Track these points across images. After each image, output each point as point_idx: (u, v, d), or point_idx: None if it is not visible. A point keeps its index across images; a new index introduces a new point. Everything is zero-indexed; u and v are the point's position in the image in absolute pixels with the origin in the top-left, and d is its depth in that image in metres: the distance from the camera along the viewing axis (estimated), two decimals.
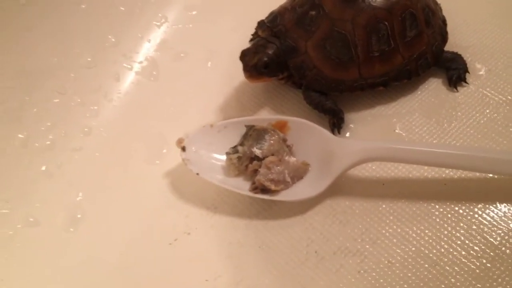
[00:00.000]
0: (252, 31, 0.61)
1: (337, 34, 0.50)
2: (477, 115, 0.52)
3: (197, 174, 0.47)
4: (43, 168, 0.52)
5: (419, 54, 0.52)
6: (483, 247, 0.44)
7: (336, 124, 0.52)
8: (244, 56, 0.51)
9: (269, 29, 0.54)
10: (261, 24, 0.57)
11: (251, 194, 0.47)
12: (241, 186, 0.48)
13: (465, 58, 0.55)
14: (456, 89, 0.54)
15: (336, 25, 0.50)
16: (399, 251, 0.44)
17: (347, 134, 0.52)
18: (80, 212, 0.49)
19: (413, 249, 0.44)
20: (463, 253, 0.44)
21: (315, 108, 0.52)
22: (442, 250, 0.44)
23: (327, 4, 0.50)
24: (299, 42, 0.51)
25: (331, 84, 0.51)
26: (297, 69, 0.51)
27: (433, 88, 0.55)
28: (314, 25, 0.50)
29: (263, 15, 0.57)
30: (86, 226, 0.49)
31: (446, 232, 0.45)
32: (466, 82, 0.54)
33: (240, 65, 0.58)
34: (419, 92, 0.55)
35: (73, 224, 0.49)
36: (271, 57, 0.50)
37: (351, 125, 0.53)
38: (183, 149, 0.48)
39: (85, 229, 0.48)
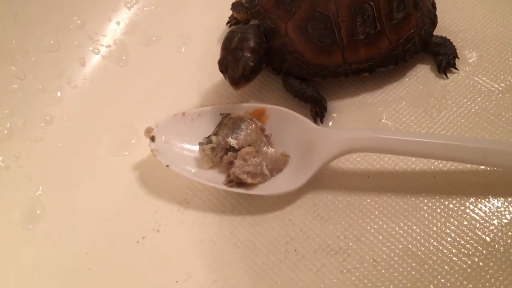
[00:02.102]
0: (229, 13, 0.57)
1: (319, 15, 0.46)
2: (468, 103, 0.49)
3: (167, 166, 0.44)
4: None
5: (407, 38, 0.49)
6: (475, 245, 0.41)
7: (318, 113, 0.48)
8: (225, 67, 0.46)
9: (246, 9, 0.51)
10: (236, 5, 0.54)
11: (225, 187, 0.44)
12: (215, 179, 0.45)
13: (455, 44, 0.53)
14: (446, 75, 0.51)
15: (319, 5, 0.46)
16: (384, 248, 0.41)
17: (330, 124, 0.49)
18: (40, 208, 0.46)
19: (400, 246, 0.41)
20: (454, 250, 0.41)
21: (295, 96, 0.49)
22: (431, 248, 0.41)
23: None
24: (278, 23, 0.47)
25: (313, 70, 0.48)
26: (276, 52, 0.48)
27: (421, 75, 0.52)
28: (295, 5, 0.47)
29: None
30: (45, 223, 0.45)
31: (435, 228, 0.42)
32: (455, 68, 0.51)
33: (216, 49, 0.55)
34: (406, 79, 0.51)
35: (31, 220, 0.45)
36: (256, 55, 0.46)
37: (334, 114, 0.50)
38: (152, 139, 0.45)
39: (44, 226, 0.45)
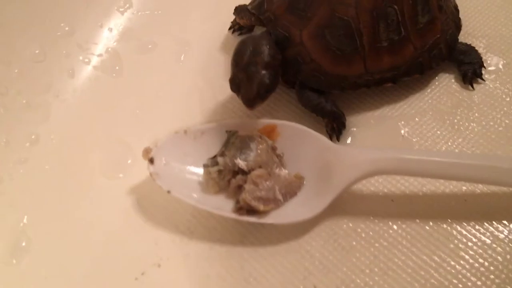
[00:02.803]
0: (231, 17, 0.52)
1: (339, 21, 0.42)
2: (498, 116, 0.45)
3: (168, 192, 0.39)
4: None
5: (433, 44, 0.45)
6: None
7: (336, 130, 0.44)
8: (237, 86, 0.41)
9: (251, 15, 0.46)
10: (240, 10, 0.49)
11: (235, 216, 0.39)
12: (222, 205, 0.40)
13: (479, 51, 0.48)
14: (472, 87, 0.47)
15: (337, 10, 0.42)
16: (415, 284, 0.37)
17: (348, 141, 0.44)
18: (25, 240, 0.40)
19: (432, 281, 0.37)
20: (493, 286, 0.36)
21: (312, 111, 0.44)
22: (468, 283, 0.37)
23: None
24: (292, 30, 0.43)
25: (331, 81, 0.43)
26: (290, 63, 0.43)
27: (445, 85, 0.48)
28: (310, 10, 0.42)
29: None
30: (32, 257, 0.40)
31: (471, 261, 0.38)
32: (482, 79, 0.47)
33: (219, 57, 0.51)
34: (428, 90, 0.47)
35: (16, 254, 0.40)
36: (271, 70, 0.41)
37: (353, 129, 0.45)
38: (151, 161, 0.40)
39: (31, 261, 0.40)
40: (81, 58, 0.50)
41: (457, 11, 0.49)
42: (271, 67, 0.41)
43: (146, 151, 0.40)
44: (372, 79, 0.44)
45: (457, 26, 0.48)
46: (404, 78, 0.45)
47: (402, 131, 0.45)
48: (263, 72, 0.40)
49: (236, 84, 0.41)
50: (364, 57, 0.43)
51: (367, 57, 0.43)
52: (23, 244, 0.40)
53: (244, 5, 0.50)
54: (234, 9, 0.51)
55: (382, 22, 0.42)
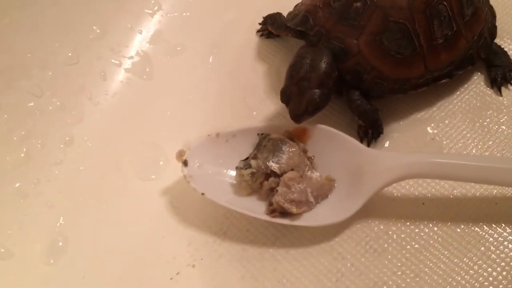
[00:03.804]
0: (259, 18, 0.52)
1: (394, 25, 0.42)
2: None
3: (203, 194, 0.40)
4: (16, 186, 0.43)
5: (479, 34, 0.46)
6: None
7: (369, 136, 0.44)
8: (287, 99, 0.41)
9: (289, 31, 0.47)
10: (275, 24, 0.50)
11: (268, 218, 0.40)
12: (255, 207, 0.41)
13: (508, 53, 0.48)
14: (500, 92, 0.47)
15: (391, 14, 0.42)
16: (447, 286, 0.37)
17: (377, 142, 0.45)
18: (62, 240, 0.42)
19: (463, 283, 0.37)
20: None
21: (359, 115, 0.44)
22: (500, 286, 0.37)
23: None
24: (348, 41, 0.42)
25: (394, 86, 0.43)
26: (351, 74, 0.43)
27: (474, 87, 0.48)
28: (362, 18, 0.42)
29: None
30: (69, 257, 0.41)
31: (502, 263, 0.38)
32: (511, 84, 0.47)
33: (246, 60, 0.51)
34: (457, 93, 0.47)
35: (53, 254, 0.41)
36: (324, 89, 0.41)
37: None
38: (185, 163, 0.41)
39: (67, 261, 0.41)
40: (112, 60, 0.51)
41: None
42: (325, 86, 0.41)
43: (180, 154, 0.41)
44: (431, 77, 0.44)
45: (492, 12, 0.48)
46: (458, 72, 0.45)
47: (432, 134, 0.45)
48: (316, 90, 0.40)
49: (286, 96, 0.41)
50: (423, 57, 0.43)
51: (426, 56, 0.43)
52: (60, 244, 0.41)
53: (276, 15, 0.50)
54: (267, 18, 0.51)
55: (435, 20, 0.42)
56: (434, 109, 0.46)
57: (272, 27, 0.50)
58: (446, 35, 0.43)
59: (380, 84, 0.43)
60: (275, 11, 0.51)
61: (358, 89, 0.43)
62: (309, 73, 0.41)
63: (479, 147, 0.44)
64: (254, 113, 0.48)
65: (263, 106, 0.48)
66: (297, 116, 0.40)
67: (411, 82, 0.44)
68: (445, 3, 0.43)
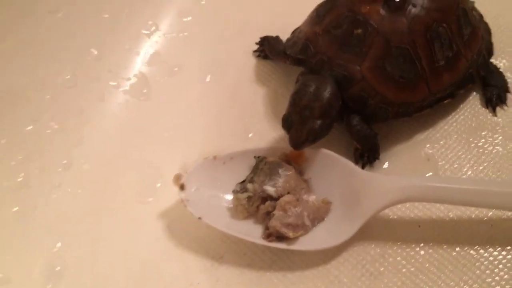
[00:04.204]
0: (256, 39, 0.53)
1: (396, 50, 0.42)
2: None
3: (199, 218, 0.40)
4: (14, 210, 0.44)
5: (478, 52, 0.46)
6: None
7: (367, 160, 0.44)
8: (288, 126, 0.41)
9: (287, 58, 0.47)
10: (274, 51, 0.50)
11: (264, 242, 0.40)
12: (251, 231, 0.41)
13: (501, 70, 0.49)
14: (495, 112, 0.47)
15: (392, 40, 0.42)
16: None
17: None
18: (60, 264, 0.41)
19: None
20: None
21: (358, 140, 0.44)
22: None
23: (373, 17, 0.42)
24: (351, 68, 0.42)
25: (399, 110, 0.44)
26: (356, 100, 0.43)
27: (469, 107, 0.48)
28: (364, 44, 0.42)
29: (266, 19, 0.51)
30: (67, 281, 0.41)
31: (497, 287, 0.38)
32: (506, 104, 0.47)
33: (244, 80, 0.51)
34: (453, 113, 0.48)
35: (51, 279, 0.41)
36: (326, 119, 0.41)
37: None
38: (182, 187, 0.41)
39: (65, 286, 0.41)
40: (110, 82, 0.51)
41: (481, 16, 0.50)
42: (327, 116, 0.41)
43: (177, 177, 0.41)
44: (435, 99, 0.44)
45: (487, 29, 0.49)
46: (460, 91, 0.46)
47: (428, 155, 0.45)
48: (317, 120, 0.40)
49: (288, 123, 0.41)
50: (426, 79, 0.43)
51: (429, 79, 0.43)
52: (58, 268, 0.41)
53: (275, 40, 0.50)
54: (264, 40, 0.52)
55: (436, 43, 0.43)
56: (430, 129, 0.46)
57: (270, 54, 0.50)
58: (447, 57, 0.43)
59: (384, 109, 0.43)
60: (273, 32, 0.51)
61: (362, 114, 0.43)
62: (312, 102, 0.41)
63: (475, 168, 0.44)
64: (250, 135, 0.48)
65: (260, 127, 0.48)
66: (297, 144, 0.41)
67: (415, 105, 0.44)
68: (444, 25, 0.43)
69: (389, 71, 0.42)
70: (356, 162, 0.44)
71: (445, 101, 0.45)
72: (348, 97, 0.43)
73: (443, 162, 0.45)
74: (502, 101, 0.47)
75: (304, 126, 0.40)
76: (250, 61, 0.53)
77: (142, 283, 0.41)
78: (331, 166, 0.42)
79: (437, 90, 0.44)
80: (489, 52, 0.48)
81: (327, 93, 0.41)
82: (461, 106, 0.48)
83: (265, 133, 0.48)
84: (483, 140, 0.46)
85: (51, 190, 0.45)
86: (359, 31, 0.42)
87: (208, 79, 0.52)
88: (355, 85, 0.42)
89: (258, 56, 0.53)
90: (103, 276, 0.41)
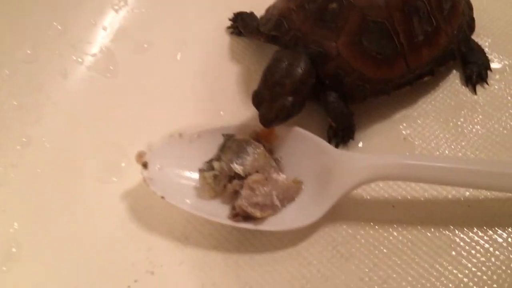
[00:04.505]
0: (229, 14, 0.51)
1: (373, 25, 0.40)
2: (503, 118, 0.44)
3: (162, 197, 0.38)
4: None
5: (458, 28, 0.45)
6: None
7: (341, 139, 0.43)
8: (258, 102, 0.39)
9: (261, 35, 0.45)
10: (247, 27, 0.48)
11: (231, 223, 0.38)
12: (218, 211, 0.39)
13: (484, 50, 0.47)
14: (475, 90, 0.45)
15: (369, 14, 0.40)
16: None
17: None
18: (15, 246, 0.39)
19: None
20: None
21: (334, 118, 0.42)
22: None
23: None
24: (326, 44, 0.41)
25: (376, 87, 0.42)
26: (332, 78, 0.41)
27: (448, 85, 0.47)
28: (340, 20, 0.40)
29: None
30: (22, 263, 0.39)
31: (473, 269, 0.37)
32: (487, 82, 0.45)
33: (216, 58, 0.49)
34: (431, 91, 0.46)
35: (6, 261, 0.39)
36: (297, 96, 0.39)
37: None
38: (145, 165, 0.39)
39: (21, 268, 0.38)
40: (74, 58, 0.49)
41: None
42: (299, 93, 0.39)
43: (140, 155, 0.39)
44: (414, 75, 0.43)
45: (469, 5, 0.48)
46: (440, 68, 0.44)
47: (404, 134, 0.43)
48: (289, 97, 0.38)
49: (258, 99, 0.39)
50: (404, 55, 0.41)
51: (407, 54, 0.42)
52: (14, 250, 0.39)
53: (249, 16, 0.48)
54: (238, 16, 0.50)
55: (415, 17, 0.41)
56: (407, 108, 0.45)
57: (244, 31, 0.49)
58: (426, 31, 0.42)
59: (362, 87, 0.41)
60: (247, 8, 0.49)
61: (339, 93, 0.42)
62: (284, 79, 0.39)
63: (452, 147, 0.42)
64: (222, 113, 0.46)
65: (231, 106, 0.46)
66: (267, 121, 0.39)
67: (393, 82, 0.42)
68: None
69: (366, 46, 0.41)
70: (329, 140, 0.43)
71: (425, 78, 0.44)
72: (324, 74, 0.41)
73: (420, 141, 0.43)
74: (482, 78, 0.45)
75: (275, 103, 0.39)
76: (223, 38, 0.51)
77: (101, 266, 0.38)
78: (303, 144, 0.40)
79: (416, 66, 0.42)
80: (471, 27, 0.46)
81: (300, 69, 0.40)
82: (440, 84, 0.46)
83: (237, 111, 0.46)
84: (462, 119, 0.44)
85: (8, 169, 0.43)
86: (334, 5, 0.41)
87: (178, 57, 0.50)
88: (330, 62, 0.41)
89: (232, 33, 0.51)
90: (61, 259, 0.39)
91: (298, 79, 0.39)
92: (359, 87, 0.41)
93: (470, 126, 0.43)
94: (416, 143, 0.43)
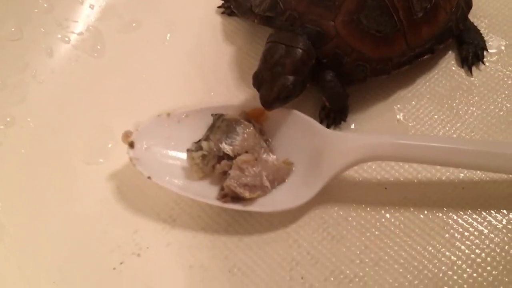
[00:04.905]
0: None
1: (372, 2, 0.39)
2: (499, 100, 0.43)
3: (149, 177, 0.37)
4: None
5: (457, 5, 0.44)
6: None
7: (333, 120, 0.42)
8: (259, 83, 0.38)
9: (255, 17, 0.43)
10: (241, 8, 0.45)
11: (219, 203, 0.37)
12: (207, 192, 0.38)
13: (481, 31, 0.46)
14: (471, 71, 0.44)
15: None
16: (408, 275, 0.35)
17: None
18: None
19: (426, 272, 0.35)
20: (489, 278, 0.34)
21: (329, 97, 0.41)
22: (464, 275, 0.35)
23: None
24: (324, 24, 0.39)
25: (377, 67, 0.41)
26: (331, 59, 0.40)
27: (444, 66, 0.45)
28: None
29: None
30: (4, 245, 0.38)
31: (467, 251, 0.36)
32: (483, 62, 0.45)
33: (206, 38, 0.48)
34: (426, 72, 0.45)
35: None
36: (298, 76, 0.38)
37: None
38: (131, 145, 0.38)
39: (4, 249, 0.38)
40: (59, 36, 0.48)
41: None
42: (299, 73, 0.38)
43: (126, 135, 0.38)
44: (414, 54, 0.42)
45: None
46: (440, 46, 0.43)
47: (398, 115, 0.43)
48: (289, 76, 0.37)
49: (258, 81, 0.38)
50: (404, 33, 0.40)
51: (407, 32, 0.41)
52: None
53: (243, 3, 0.46)
54: (234, 4, 0.48)
55: None
56: (401, 89, 0.44)
57: (237, 11, 0.47)
58: (425, 8, 0.41)
59: (362, 67, 0.40)
60: None
61: (339, 73, 0.40)
62: (284, 59, 0.38)
63: (447, 128, 0.41)
64: (212, 93, 0.45)
65: (222, 87, 0.45)
66: (268, 102, 0.37)
67: (393, 61, 0.41)
68: None
69: (365, 25, 0.39)
70: (321, 121, 0.42)
71: (425, 57, 0.43)
72: (323, 55, 0.40)
73: (414, 123, 0.42)
74: (478, 58, 0.44)
75: (275, 83, 0.37)
76: (214, 18, 0.50)
77: (86, 248, 0.38)
78: (294, 125, 0.40)
79: (416, 44, 0.42)
80: (468, 4, 0.45)
81: (299, 49, 0.39)
82: (435, 65, 0.45)
83: (228, 92, 0.45)
84: (457, 101, 0.43)
85: None
86: None
87: (168, 37, 0.49)
88: (329, 41, 0.39)
89: (223, 13, 0.50)
90: (44, 240, 0.38)
91: (299, 59, 0.38)
92: (359, 67, 0.40)
93: (465, 108, 0.43)
94: (410, 124, 0.42)
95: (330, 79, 0.40)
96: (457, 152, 0.35)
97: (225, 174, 0.38)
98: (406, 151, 0.36)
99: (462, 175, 0.39)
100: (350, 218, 0.38)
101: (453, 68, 0.45)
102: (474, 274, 0.35)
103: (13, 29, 0.45)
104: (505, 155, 0.35)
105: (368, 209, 0.38)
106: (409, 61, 0.42)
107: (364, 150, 0.36)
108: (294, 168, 0.39)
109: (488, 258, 0.35)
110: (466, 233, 0.36)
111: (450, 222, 0.37)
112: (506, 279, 0.34)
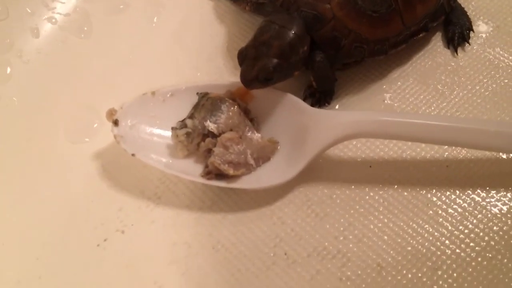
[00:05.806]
0: None
1: None
2: (485, 80, 0.43)
3: (133, 155, 0.37)
4: None
5: None
6: (497, 247, 0.35)
7: (317, 100, 0.42)
8: (242, 59, 0.38)
9: (248, 3, 0.43)
10: None
11: (203, 180, 0.37)
12: (191, 170, 0.38)
13: (468, 13, 0.46)
14: (456, 52, 0.44)
15: None
16: (391, 251, 0.35)
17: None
18: None
19: (409, 248, 0.35)
20: (472, 254, 0.34)
21: (317, 78, 0.41)
22: (446, 250, 0.35)
23: None
24: (320, 7, 0.39)
25: (374, 47, 0.41)
26: (329, 42, 0.40)
27: (430, 47, 0.45)
28: None
29: None
30: None
31: (450, 227, 0.36)
32: (469, 43, 0.45)
33: (193, 21, 0.48)
34: (412, 53, 0.45)
35: None
36: (283, 60, 0.37)
37: None
38: (115, 122, 0.38)
39: None
40: (46, 17, 0.48)
41: None
42: (285, 58, 0.38)
43: (110, 112, 0.38)
44: (409, 33, 0.42)
45: None
46: (433, 24, 0.43)
47: (384, 96, 0.42)
48: (273, 59, 0.37)
49: (242, 56, 0.38)
50: (399, 12, 0.40)
51: (403, 11, 0.41)
52: None
53: None
54: None
55: None
56: (387, 70, 0.44)
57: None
58: None
59: (360, 48, 0.40)
60: None
61: (337, 56, 0.40)
62: (273, 40, 0.38)
63: (432, 108, 0.42)
64: (199, 74, 0.45)
65: (208, 67, 0.46)
66: (247, 81, 0.37)
67: (390, 41, 0.41)
68: None
69: (361, 6, 0.39)
70: (305, 98, 0.42)
71: (420, 35, 0.43)
72: (320, 38, 0.40)
73: (400, 103, 0.42)
74: (465, 39, 0.44)
75: (257, 61, 0.37)
76: (202, 1, 0.50)
77: (72, 225, 0.38)
78: (279, 104, 0.40)
79: (411, 23, 0.42)
80: None
81: (291, 33, 0.38)
82: (421, 46, 0.45)
83: (214, 73, 0.45)
84: (442, 82, 0.43)
85: None
86: None
87: (155, 20, 0.49)
88: (326, 24, 0.39)
89: None
90: (27, 217, 0.38)
91: (287, 42, 0.38)
92: (357, 49, 0.40)
93: (451, 88, 0.43)
94: (396, 105, 0.42)
95: (320, 60, 0.40)
96: (441, 128, 0.35)
97: (209, 152, 0.38)
98: (390, 128, 0.36)
99: (447, 153, 0.39)
100: (334, 196, 0.38)
101: (439, 49, 0.45)
102: (457, 250, 0.35)
103: None
104: (488, 131, 0.35)
105: (353, 187, 0.38)
106: (405, 40, 0.42)
107: (348, 127, 0.36)
108: (279, 147, 0.39)
109: (471, 235, 0.35)
110: (449, 210, 0.36)
111: (434, 200, 0.37)
112: (489, 255, 0.34)
